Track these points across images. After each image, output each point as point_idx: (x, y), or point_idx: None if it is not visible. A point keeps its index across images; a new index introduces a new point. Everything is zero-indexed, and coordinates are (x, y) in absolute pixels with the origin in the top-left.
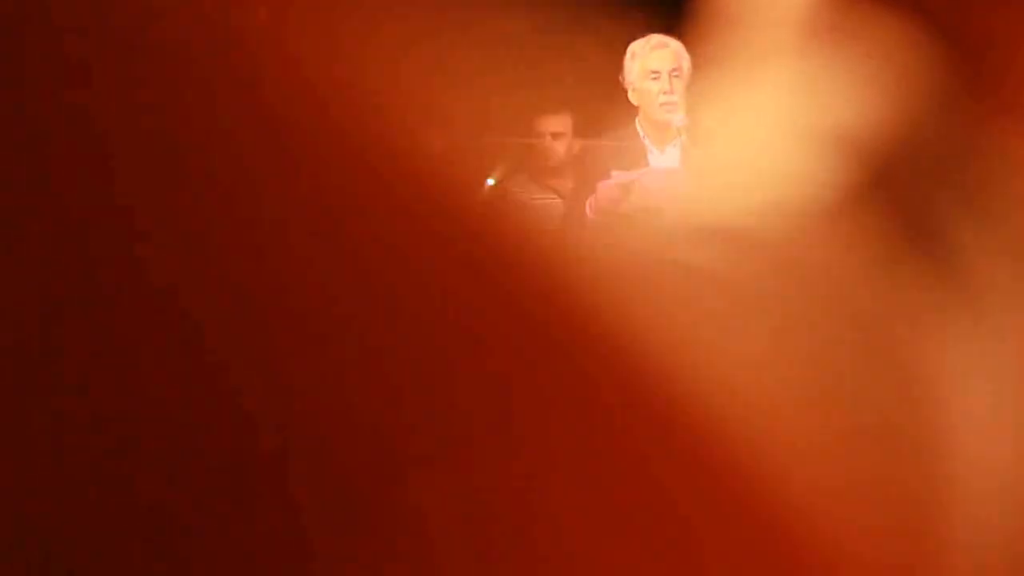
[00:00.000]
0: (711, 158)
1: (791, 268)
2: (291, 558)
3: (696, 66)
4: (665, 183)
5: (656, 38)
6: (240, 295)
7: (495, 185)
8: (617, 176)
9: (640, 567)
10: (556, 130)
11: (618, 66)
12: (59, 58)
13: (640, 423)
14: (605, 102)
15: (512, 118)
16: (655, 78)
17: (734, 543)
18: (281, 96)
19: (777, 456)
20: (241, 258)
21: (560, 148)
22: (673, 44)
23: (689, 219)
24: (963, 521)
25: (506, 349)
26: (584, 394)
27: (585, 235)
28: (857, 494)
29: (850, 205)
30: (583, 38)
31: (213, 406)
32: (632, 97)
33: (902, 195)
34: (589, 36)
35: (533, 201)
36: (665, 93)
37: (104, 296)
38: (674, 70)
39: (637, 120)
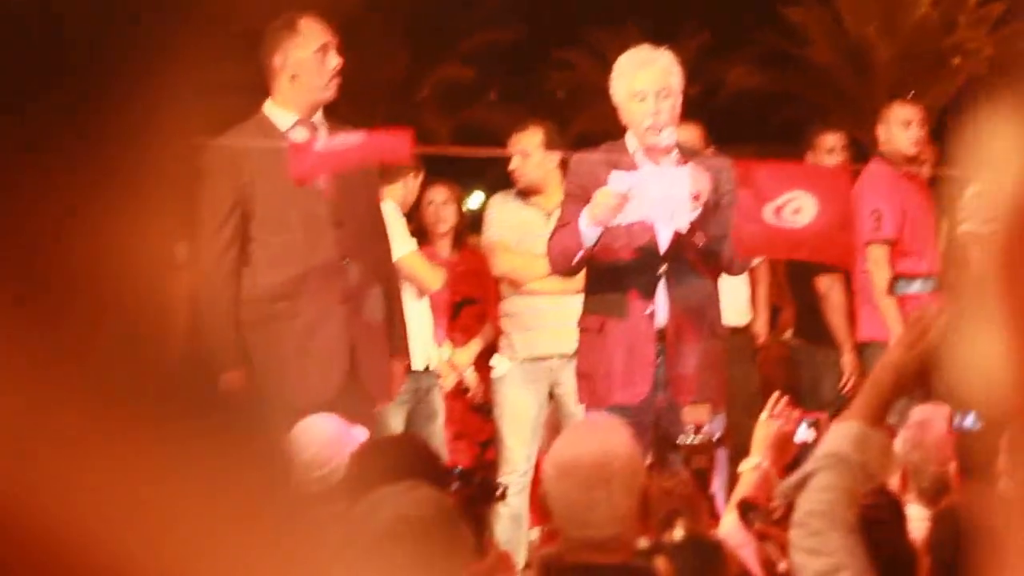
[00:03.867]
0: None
1: None
2: None
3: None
4: (665, 191)
5: (643, 53)
6: None
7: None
8: (617, 177)
9: None
10: (523, 148)
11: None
12: None
13: None
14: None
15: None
16: (641, 100)
17: None
18: None
19: None
20: None
21: (528, 167)
22: (662, 60)
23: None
24: None
25: None
26: None
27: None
28: None
29: None
30: (575, 49)
31: None
32: (622, 115)
33: None
34: (582, 47)
35: (517, 220)
36: (651, 116)
37: None
38: (661, 90)
39: (628, 133)
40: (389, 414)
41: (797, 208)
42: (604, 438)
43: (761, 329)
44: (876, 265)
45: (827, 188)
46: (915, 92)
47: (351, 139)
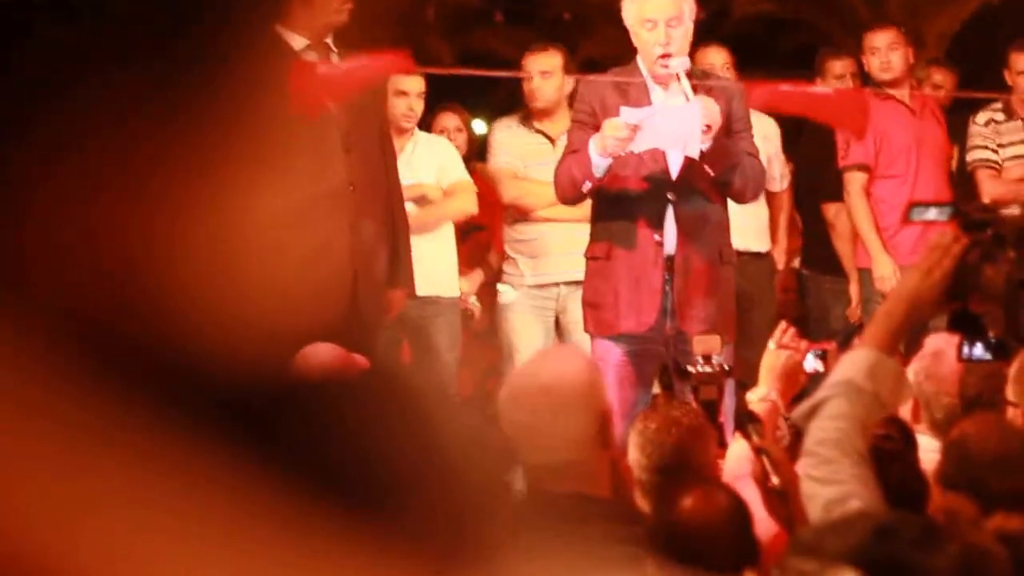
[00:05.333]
0: None
1: None
2: None
3: None
4: (676, 123)
5: None
6: None
7: (490, 133)
8: (627, 113)
9: None
10: (543, 69)
11: None
12: None
13: None
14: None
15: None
16: (651, 28)
17: None
18: None
19: None
20: None
21: (548, 88)
22: None
23: None
24: None
25: None
26: None
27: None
28: None
29: None
30: None
31: None
32: (632, 38)
33: None
34: None
35: (523, 147)
36: (661, 45)
37: None
38: (672, 19)
39: (639, 57)
40: (391, 343)
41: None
42: (556, 365)
43: (780, 257)
44: (850, 192)
45: (843, 94)
46: (920, 18)
47: (353, 63)
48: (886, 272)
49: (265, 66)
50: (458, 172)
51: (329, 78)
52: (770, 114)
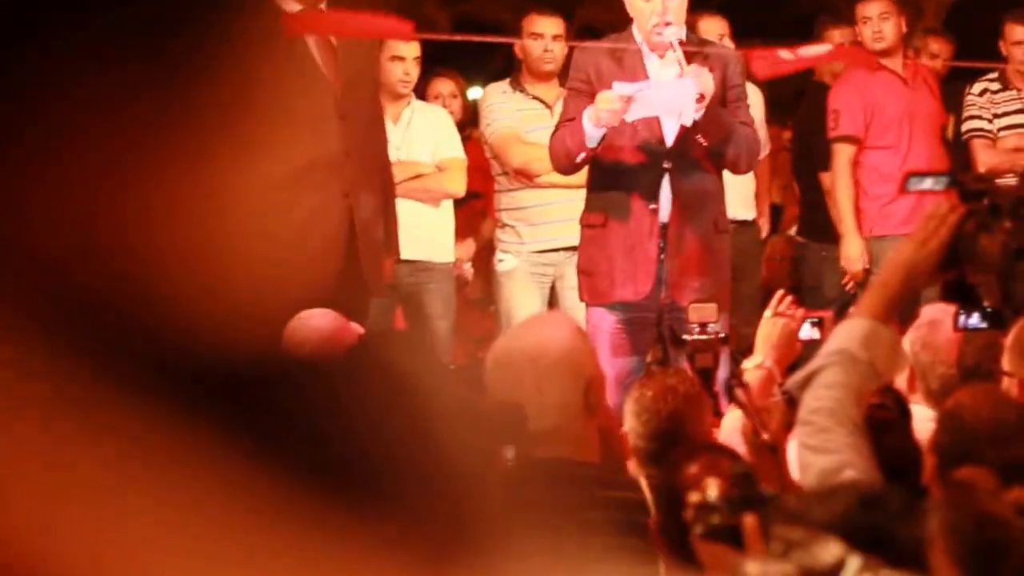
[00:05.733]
0: None
1: None
2: None
3: None
4: (670, 93)
5: None
6: None
7: (483, 98)
8: (620, 87)
9: None
10: (556, 32)
11: None
12: None
13: None
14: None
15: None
16: None
17: None
18: None
19: None
20: None
21: (559, 52)
22: None
23: None
24: None
25: None
26: None
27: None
28: None
29: None
30: None
31: None
32: (627, 7)
33: None
34: None
35: (519, 112)
36: (657, 15)
37: None
38: None
39: (634, 25)
40: (385, 309)
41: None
42: (542, 331)
43: (764, 224)
44: (836, 164)
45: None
46: None
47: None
48: (854, 253)
49: (259, 35)
50: (454, 149)
51: (325, 16)
52: (770, 79)
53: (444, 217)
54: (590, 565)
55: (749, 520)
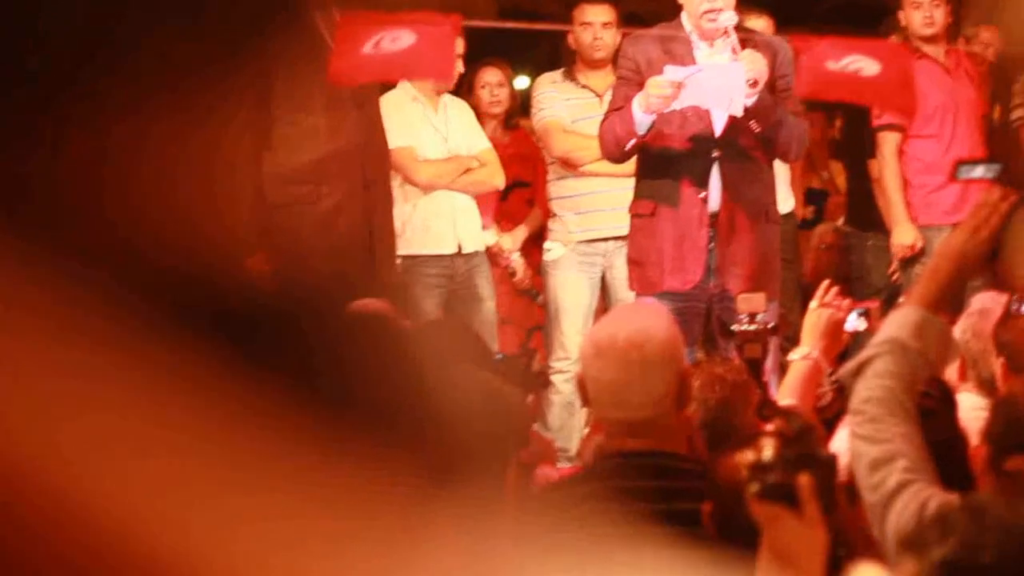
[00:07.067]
0: None
1: None
2: None
3: None
4: (721, 80)
5: None
6: None
7: (534, 88)
8: (671, 71)
9: None
10: (605, 20)
11: None
12: None
13: None
14: None
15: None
16: None
17: None
18: None
19: None
20: None
21: (610, 39)
22: None
23: None
24: None
25: None
26: None
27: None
28: None
29: None
30: None
31: None
32: None
33: None
34: None
35: (568, 102)
36: (708, 1)
37: None
38: None
39: (683, 13)
40: (422, 298)
41: (859, 68)
42: (643, 319)
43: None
44: (883, 152)
45: (887, 54)
46: None
47: (398, 43)
48: (906, 240)
49: (295, 35)
50: (484, 140)
51: (369, 59)
52: (816, 101)
53: (473, 204)
54: (667, 552)
55: (804, 479)
